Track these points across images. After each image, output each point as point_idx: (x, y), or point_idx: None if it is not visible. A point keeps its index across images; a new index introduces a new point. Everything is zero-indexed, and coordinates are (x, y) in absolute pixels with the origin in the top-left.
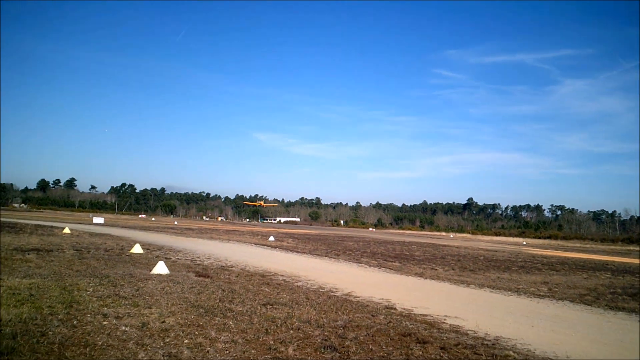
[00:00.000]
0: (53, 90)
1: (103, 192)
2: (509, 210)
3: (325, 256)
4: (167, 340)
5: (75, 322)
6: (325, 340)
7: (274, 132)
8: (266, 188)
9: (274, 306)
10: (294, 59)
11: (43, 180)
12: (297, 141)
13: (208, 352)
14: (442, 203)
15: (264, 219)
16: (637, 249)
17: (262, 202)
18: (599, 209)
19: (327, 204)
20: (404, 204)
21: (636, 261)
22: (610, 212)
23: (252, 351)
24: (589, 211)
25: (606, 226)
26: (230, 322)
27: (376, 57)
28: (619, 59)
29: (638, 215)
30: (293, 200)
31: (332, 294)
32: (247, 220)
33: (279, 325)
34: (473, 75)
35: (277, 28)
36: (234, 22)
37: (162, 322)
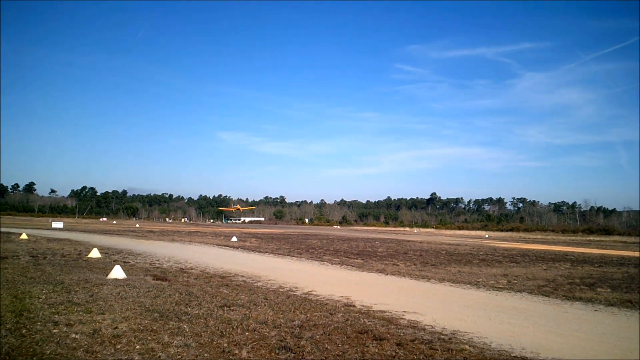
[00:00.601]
0: (6, 90)
1: (63, 196)
2: (471, 204)
3: (288, 255)
4: (118, 347)
5: (24, 331)
6: (281, 340)
7: (238, 131)
8: (230, 188)
9: (232, 308)
10: (256, 57)
11: (1, 185)
12: (261, 139)
13: (160, 357)
14: (406, 199)
15: (228, 219)
16: (597, 239)
17: (238, 207)
18: (560, 201)
19: (291, 203)
20: (368, 201)
21: (595, 251)
22: (570, 203)
23: (205, 355)
24: (549, 203)
25: (567, 217)
26: (185, 326)
27: (339, 54)
28: (577, 51)
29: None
30: (257, 200)
31: (292, 293)
32: (211, 221)
33: (234, 327)
34: (435, 70)
35: (240, 27)
36: (196, 21)
37: (115, 328)
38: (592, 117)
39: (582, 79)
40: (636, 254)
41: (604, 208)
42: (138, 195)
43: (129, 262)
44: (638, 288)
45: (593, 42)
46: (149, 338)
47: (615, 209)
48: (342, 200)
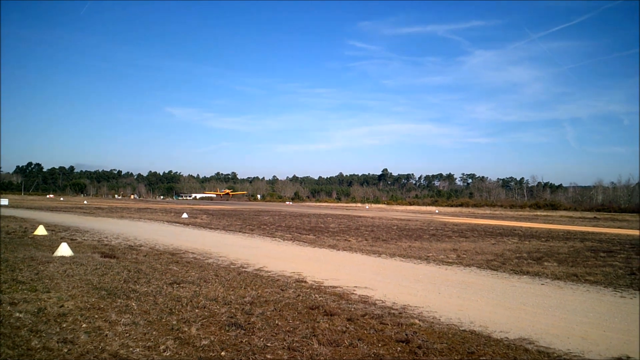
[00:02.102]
0: None
1: (8, 172)
2: (422, 180)
3: (239, 231)
4: (64, 326)
5: None
6: (231, 317)
7: (188, 107)
8: (181, 164)
9: (181, 285)
10: (206, 31)
11: None
12: (212, 115)
13: (107, 335)
14: (358, 175)
15: (178, 196)
16: (544, 214)
17: (227, 190)
18: (508, 177)
19: (243, 179)
20: (320, 177)
21: (542, 226)
22: (518, 179)
23: (154, 332)
24: (498, 179)
25: (515, 193)
26: (133, 304)
27: (291, 30)
28: (526, 29)
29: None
30: (209, 176)
31: (243, 269)
32: (162, 197)
33: (184, 304)
34: (387, 47)
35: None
36: None
37: (60, 306)
38: (540, 95)
39: (530, 56)
40: (581, 228)
41: (551, 184)
42: (86, 171)
43: (76, 240)
44: (583, 262)
45: (541, 21)
46: (96, 316)
47: (561, 184)
48: (294, 176)
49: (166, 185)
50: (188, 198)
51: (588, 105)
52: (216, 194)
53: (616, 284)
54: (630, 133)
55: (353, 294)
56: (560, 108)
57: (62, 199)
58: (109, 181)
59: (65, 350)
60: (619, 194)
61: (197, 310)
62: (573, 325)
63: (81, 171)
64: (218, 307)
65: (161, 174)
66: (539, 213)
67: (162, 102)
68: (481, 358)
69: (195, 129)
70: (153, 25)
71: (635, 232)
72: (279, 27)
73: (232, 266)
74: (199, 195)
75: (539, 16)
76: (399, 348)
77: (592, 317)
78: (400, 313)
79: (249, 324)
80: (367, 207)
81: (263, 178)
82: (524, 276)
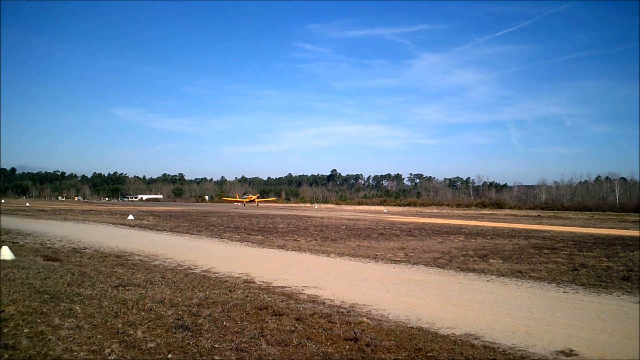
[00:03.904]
0: None
1: None
2: (371, 180)
3: (187, 233)
4: (5, 331)
5: None
6: (178, 319)
7: (133, 107)
8: (126, 165)
9: (127, 288)
10: (152, 31)
11: None
12: (158, 116)
13: (49, 340)
14: (307, 175)
15: (124, 197)
16: (490, 212)
17: (252, 197)
18: (455, 176)
19: (191, 180)
20: (269, 177)
21: (488, 224)
22: (464, 178)
23: (99, 336)
24: (445, 179)
25: (461, 192)
26: (77, 307)
27: (238, 30)
28: (471, 34)
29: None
30: (155, 177)
31: (190, 271)
32: (107, 199)
33: (130, 307)
34: (335, 49)
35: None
36: None
37: (1, 311)
38: (484, 97)
39: (475, 60)
40: (525, 226)
41: (496, 183)
42: (28, 173)
43: (17, 243)
44: (527, 259)
45: (486, 25)
46: (39, 321)
47: (506, 183)
48: (242, 177)
49: (111, 186)
50: (134, 200)
51: (531, 108)
52: (237, 201)
53: (559, 280)
54: (571, 134)
55: (302, 293)
56: (504, 110)
57: (2, 201)
58: (52, 183)
59: (7, 356)
60: (562, 193)
61: (143, 313)
62: (518, 320)
63: (23, 173)
64: (165, 309)
65: (106, 175)
66: (484, 212)
67: (106, 103)
68: (428, 354)
69: (140, 130)
70: (97, 25)
71: (577, 229)
72: (226, 28)
73: (179, 268)
74: (145, 197)
75: (483, 21)
76: (347, 346)
77: (536, 312)
78: (348, 312)
79: (196, 325)
80: (316, 207)
81: (211, 179)
82: (470, 273)
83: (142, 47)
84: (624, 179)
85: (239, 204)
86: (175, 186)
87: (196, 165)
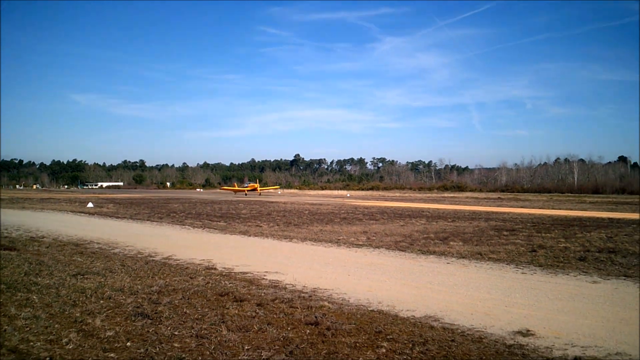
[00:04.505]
0: None
1: None
2: (334, 165)
3: (147, 220)
4: None
5: None
6: (138, 307)
7: (93, 93)
8: (86, 152)
9: (86, 276)
10: (111, 15)
11: None
12: (118, 102)
13: (5, 330)
14: (270, 160)
15: (84, 185)
16: (451, 195)
17: (253, 185)
18: (417, 160)
19: (152, 166)
20: (232, 163)
21: (449, 207)
22: (427, 162)
23: (56, 326)
24: (407, 162)
25: (423, 176)
26: (34, 297)
27: (199, 14)
28: (433, 17)
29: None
30: (116, 164)
31: (151, 258)
32: (66, 187)
33: (88, 296)
34: (298, 33)
35: None
36: None
37: None
38: (446, 80)
39: (437, 43)
40: (486, 208)
41: (458, 166)
42: None
43: None
44: (487, 241)
45: (448, 9)
46: None
47: (467, 166)
48: (205, 163)
49: (70, 174)
50: (94, 187)
51: (493, 91)
52: (235, 190)
53: (518, 261)
54: (532, 116)
55: (263, 279)
56: (466, 93)
57: None
58: (9, 171)
59: None
60: (522, 175)
61: (102, 302)
62: (477, 301)
63: None
64: (124, 297)
65: (65, 162)
66: (446, 195)
67: (65, 89)
68: (388, 337)
69: (100, 116)
70: (54, 9)
71: (536, 211)
72: (187, 11)
73: (139, 255)
74: (105, 184)
75: (446, 4)
76: (308, 331)
77: (495, 293)
78: (310, 296)
79: (156, 313)
80: (279, 192)
81: (173, 165)
82: (431, 256)
83: (101, 31)
84: (582, 160)
85: (238, 193)
86: (136, 173)
87: (157, 151)
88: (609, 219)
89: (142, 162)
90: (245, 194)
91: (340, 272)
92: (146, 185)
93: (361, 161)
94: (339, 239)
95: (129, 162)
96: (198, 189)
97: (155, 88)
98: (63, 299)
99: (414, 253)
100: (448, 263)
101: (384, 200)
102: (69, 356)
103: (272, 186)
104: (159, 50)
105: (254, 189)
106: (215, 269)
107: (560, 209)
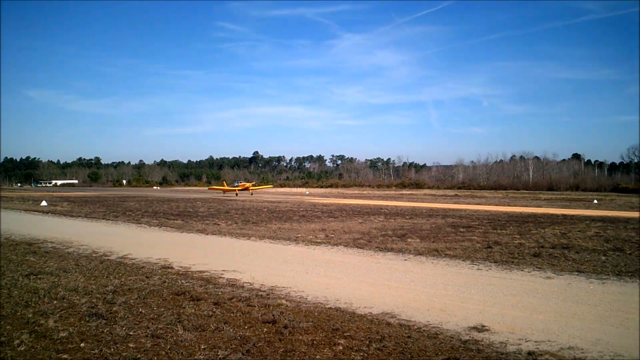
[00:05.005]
0: None
1: None
2: (293, 162)
3: (103, 219)
4: None
5: None
6: (92, 307)
7: (47, 89)
8: (40, 149)
9: (39, 276)
10: (66, 8)
11: None
12: (73, 97)
13: None
14: (228, 157)
15: (37, 183)
16: (409, 192)
17: (245, 184)
18: (376, 157)
19: (108, 164)
20: (190, 160)
21: (407, 204)
22: (385, 159)
23: (7, 327)
24: (366, 160)
25: (382, 173)
26: None
27: (156, 8)
28: (392, 14)
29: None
30: (70, 161)
31: (106, 258)
32: (19, 185)
33: (41, 296)
34: (256, 29)
35: None
36: None
37: None
38: (405, 78)
39: (396, 41)
40: (443, 205)
41: (416, 164)
42: None
43: None
44: (444, 237)
45: (406, 6)
46: None
47: (425, 164)
48: (162, 160)
49: (24, 171)
50: (48, 185)
51: (450, 88)
52: (225, 189)
53: (474, 258)
54: (488, 114)
55: (221, 277)
56: (424, 91)
57: None
58: None
59: None
60: (478, 172)
61: (55, 302)
62: (433, 298)
63: None
64: (78, 297)
65: (18, 160)
66: (404, 192)
67: (18, 84)
68: (345, 334)
69: (55, 112)
70: (6, 2)
71: (492, 208)
72: (144, 6)
73: (94, 255)
74: (59, 182)
75: (404, 1)
76: (266, 329)
77: (451, 289)
78: (268, 294)
79: (110, 313)
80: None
81: (129, 163)
82: (389, 253)
83: (56, 25)
84: (537, 158)
85: (227, 192)
86: (91, 170)
87: (113, 148)
88: (563, 215)
89: (97, 159)
90: (236, 194)
91: (299, 270)
92: (102, 183)
93: (320, 158)
94: (297, 237)
95: (84, 159)
96: (155, 187)
97: (111, 84)
98: (15, 299)
99: (372, 250)
100: (405, 260)
101: (343, 197)
102: (20, 358)
103: (264, 185)
104: (115, 45)
105: (246, 189)
106: (171, 268)
107: (515, 205)
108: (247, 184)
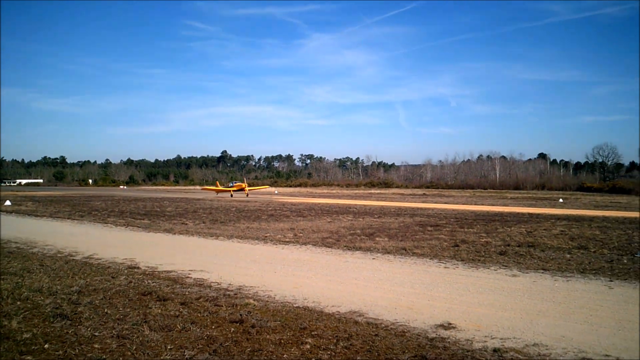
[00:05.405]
0: None
1: None
2: (262, 161)
3: (68, 218)
4: None
5: None
6: (57, 308)
7: (11, 86)
8: (3, 148)
9: (2, 277)
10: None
11: None
12: (38, 95)
13: None
14: (196, 157)
15: (1, 182)
16: (378, 192)
17: (241, 184)
18: (345, 157)
19: (73, 163)
20: (157, 159)
21: (376, 203)
22: (354, 159)
23: None
24: (335, 159)
25: (351, 172)
26: None
27: (124, 6)
28: (360, 14)
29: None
30: (35, 160)
31: (71, 258)
32: None
33: (4, 297)
34: (225, 28)
35: None
36: None
37: None
38: (373, 78)
39: (364, 41)
40: (411, 204)
41: (384, 163)
42: None
43: None
44: (412, 236)
45: (375, 6)
46: None
47: (394, 163)
48: (129, 159)
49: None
50: (12, 184)
51: (418, 89)
52: (217, 190)
53: (441, 256)
54: (456, 114)
55: (188, 277)
56: (392, 91)
57: None
58: None
59: None
60: (446, 172)
61: (18, 303)
62: (401, 296)
63: None
64: (42, 298)
65: None
66: (373, 191)
67: None
68: (313, 333)
69: (19, 111)
70: None
71: (459, 207)
72: (111, 2)
73: (59, 255)
74: (24, 181)
75: (372, 2)
76: (233, 329)
77: (418, 287)
78: (235, 294)
79: (75, 314)
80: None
81: (95, 162)
82: (357, 252)
83: (20, 22)
84: (504, 157)
85: (221, 193)
86: (57, 170)
87: (79, 147)
88: (529, 214)
89: (62, 158)
90: (231, 195)
91: (267, 269)
92: (67, 183)
93: (289, 158)
94: (265, 236)
95: (49, 158)
96: (122, 186)
97: (77, 82)
98: None
99: (341, 249)
100: (374, 259)
101: (312, 196)
102: None
103: (260, 185)
104: (82, 42)
105: (241, 189)
106: (138, 268)
107: (482, 204)
108: (243, 184)
